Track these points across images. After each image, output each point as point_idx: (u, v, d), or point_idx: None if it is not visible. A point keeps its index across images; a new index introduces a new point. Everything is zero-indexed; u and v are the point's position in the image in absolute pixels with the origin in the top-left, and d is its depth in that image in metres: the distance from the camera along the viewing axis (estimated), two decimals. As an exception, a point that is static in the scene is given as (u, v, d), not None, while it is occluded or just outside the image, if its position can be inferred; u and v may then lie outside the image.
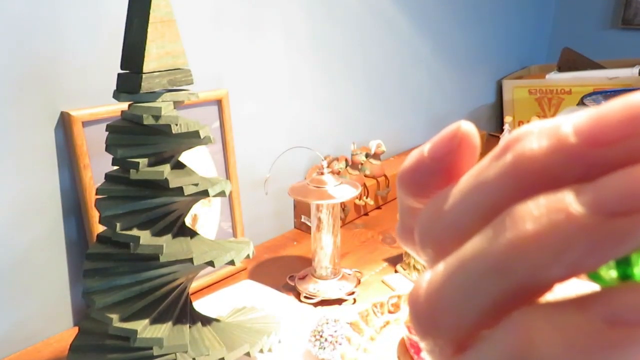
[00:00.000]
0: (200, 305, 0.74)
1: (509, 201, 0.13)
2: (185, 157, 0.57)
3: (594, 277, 0.13)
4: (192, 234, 0.58)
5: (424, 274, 0.15)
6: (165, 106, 0.52)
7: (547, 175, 0.13)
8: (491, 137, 1.58)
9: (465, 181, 0.14)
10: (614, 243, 0.11)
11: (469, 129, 0.15)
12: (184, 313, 0.59)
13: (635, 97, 0.12)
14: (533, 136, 0.13)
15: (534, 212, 0.12)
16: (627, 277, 0.13)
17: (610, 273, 0.13)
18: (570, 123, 0.12)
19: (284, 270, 0.88)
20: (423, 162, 0.16)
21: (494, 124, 1.73)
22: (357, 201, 1.09)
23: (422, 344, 0.15)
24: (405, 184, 0.16)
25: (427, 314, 0.14)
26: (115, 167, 0.54)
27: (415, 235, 0.16)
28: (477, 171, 0.14)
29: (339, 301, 0.80)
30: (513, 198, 0.13)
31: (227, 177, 0.89)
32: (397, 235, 0.18)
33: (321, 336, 0.63)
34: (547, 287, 0.13)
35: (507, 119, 1.27)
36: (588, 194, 0.12)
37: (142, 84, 0.51)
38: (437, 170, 0.16)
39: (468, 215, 0.14)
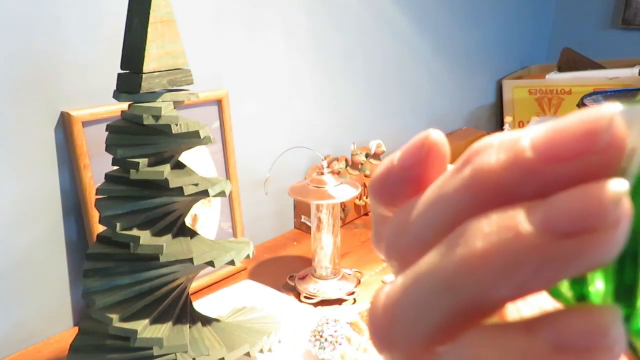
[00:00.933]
0: (200, 305, 0.74)
1: (466, 215, 0.13)
2: (185, 157, 0.57)
3: (555, 293, 0.13)
4: (192, 234, 0.58)
5: (384, 287, 0.15)
6: (165, 106, 0.52)
7: (504, 190, 0.12)
8: (491, 137, 1.58)
9: (428, 193, 0.14)
10: (563, 265, 0.11)
11: (438, 137, 0.15)
12: (184, 313, 0.59)
13: (590, 113, 0.11)
14: (492, 149, 0.13)
15: (485, 230, 0.12)
16: (583, 296, 0.13)
17: (569, 291, 0.13)
18: (528, 137, 0.12)
19: (284, 270, 0.88)
20: (392, 170, 0.16)
21: (494, 124, 1.73)
22: (357, 201, 1.09)
23: (380, 358, 0.15)
24: (376, 192, 0.16)
25: (383, 328, 0.14)
26: (115, 167, 0.54)
27: (382, 246, 0.16)
28: (440, 183, 0.14)
29: (339, 301, 0.80)
30: (471, 212, 0.13)
31: (227, 177, 0.89)
32: (372, 244, 0.18)
33: (321, 336, 0.63)
34: (498, 306, 0.12)
35: (507, 119, 1.28)
36: (538, 213, 0.11)
37: (142, 84, 0.51)
38: (406, 179, 0.15)
39: (429, 229, 0.14)
